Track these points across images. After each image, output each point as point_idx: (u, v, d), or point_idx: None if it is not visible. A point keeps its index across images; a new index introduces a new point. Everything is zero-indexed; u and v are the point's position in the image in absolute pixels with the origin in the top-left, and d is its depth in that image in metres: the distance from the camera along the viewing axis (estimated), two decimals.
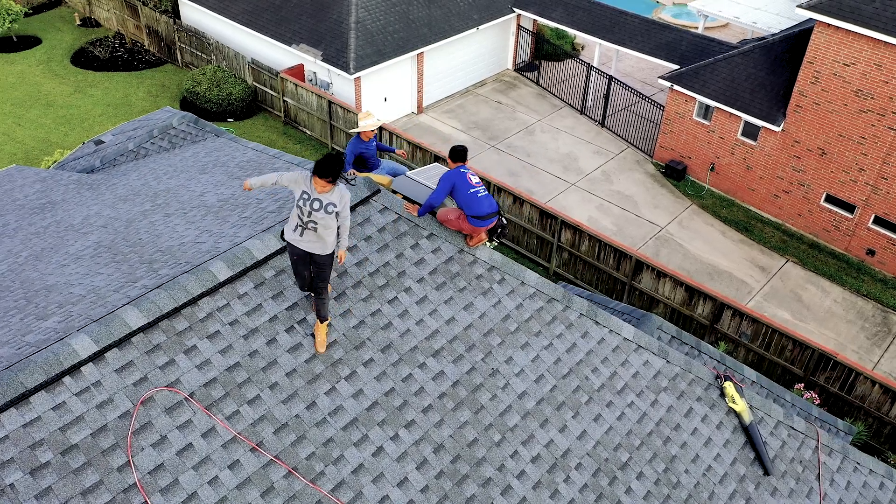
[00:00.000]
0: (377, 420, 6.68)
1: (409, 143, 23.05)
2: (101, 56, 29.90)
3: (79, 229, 11.15)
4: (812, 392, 16.73)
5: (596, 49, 28.89)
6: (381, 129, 23.42)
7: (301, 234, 6.51)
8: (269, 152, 11.91)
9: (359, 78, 24.98)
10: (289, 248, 6.69)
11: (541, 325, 7.93)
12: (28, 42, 30.64)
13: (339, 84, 25.55)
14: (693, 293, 18.79)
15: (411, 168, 17.40)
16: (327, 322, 6.86)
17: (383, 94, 26.56)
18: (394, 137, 23.34)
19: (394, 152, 9.60)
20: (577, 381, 7.74)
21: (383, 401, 6.81)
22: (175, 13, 30.58)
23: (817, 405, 16.01)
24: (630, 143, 27.16)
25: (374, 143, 9.20)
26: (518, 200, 21.19)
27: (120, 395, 5.96)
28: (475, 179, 7.99)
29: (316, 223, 6.41)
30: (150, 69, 29.54)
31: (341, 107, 24.29)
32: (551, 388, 7.56)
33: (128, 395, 5.99)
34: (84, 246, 9.97)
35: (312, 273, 6.71)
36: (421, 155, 22.91)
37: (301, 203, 6.44)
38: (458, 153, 8.25)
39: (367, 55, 24.80)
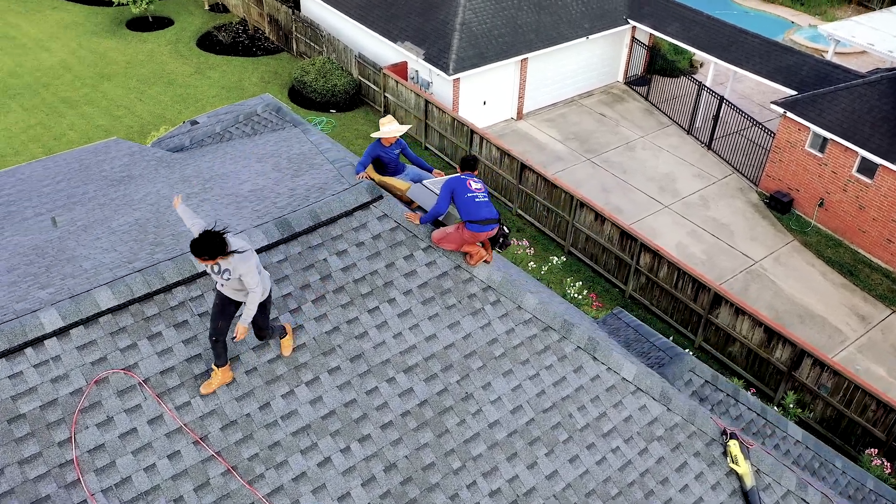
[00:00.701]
0: (331, 430, 6.57)
1: (497, 148, 22.80)
2: (224, 41, 31.33)
3: (132, 205, 11.67)
4: (888, 462, 15.27)
5: (710, 68, 27.57)
6: (471, 131, 23.30)
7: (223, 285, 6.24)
8: (321, 146, 12.02)
9: (458, 79, 24.94)
10: (215, 293, 6.42)
11: (530, 354, 7.57)
12: (161, 23, 32.54)
13: (439, 84, 25.62)
14: (772, 335, 17.57)
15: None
16: (289, 334, 6.76)
17: (482, 98, 26.42)
18: (484, 142, 23.15)
19: (429, 170, 9.32)
20: (559, 417, 7.33)
21: (341, 411, 6.68)
22: (296, 4, 31.61)
23: (889, 474, 14.58)
24: (736, 168, 25.76)
25: (397, 149, 9.07)
26: (599, 218, 20.53)
27: (76, 372, 6.13)
28: (475, 185, 7.79)
29: (223, 284, 6.18)
30: (267, 56, 30.68)
31: (437, 107, 24.34)
32: (528, 421, 7.19)
33: (84, 373, 6.16)
34: (125, 222, 10.41)
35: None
36: (508, 162, 22.61)
37: (212, 274, 6.16)
38: (466, 162, 8.10)
39: (468, 57, 24.73)
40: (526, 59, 26.26)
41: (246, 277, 5.94)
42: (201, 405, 6.33)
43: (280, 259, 7.20)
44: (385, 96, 26.48)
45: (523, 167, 22.19)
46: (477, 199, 7.72)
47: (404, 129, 8.83)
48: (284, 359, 6.74)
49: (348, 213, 7.68)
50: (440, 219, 8.16)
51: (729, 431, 7.75)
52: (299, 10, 31.38)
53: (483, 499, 6.66)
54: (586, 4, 27.71)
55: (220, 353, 6.30)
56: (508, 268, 13.26)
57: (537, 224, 22.66)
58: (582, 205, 20.83)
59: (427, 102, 24.62)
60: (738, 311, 18.06)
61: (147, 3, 31.21)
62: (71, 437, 5.87)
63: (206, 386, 6.36)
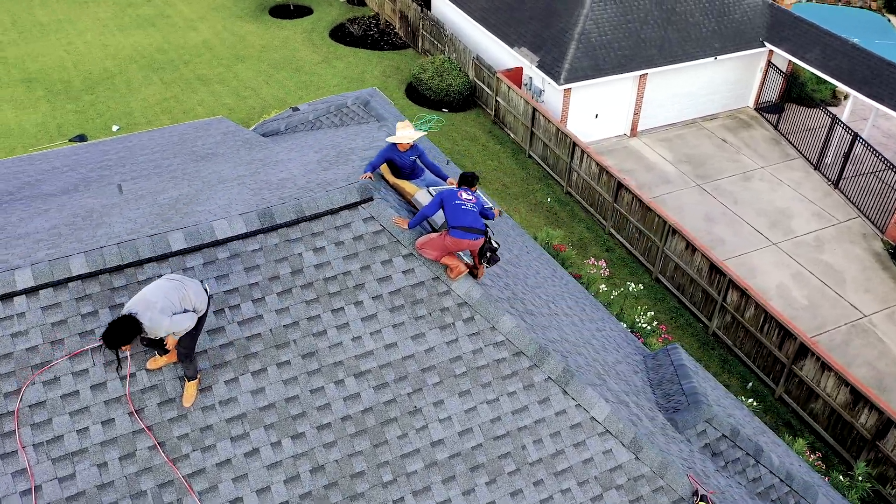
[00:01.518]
0: (266, 422, 6.62)
1: (596, 164, 22.16)
2: (355, 33, 32.31)
3: (192, 180, 12.27)
4: None
5: (848, 101, 25.49)
6: (573, 143, 22.78)
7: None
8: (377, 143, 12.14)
9: (569, 89, 24.46)
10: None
11: (494, 377, 7.30)
12: (301, 11, 34.00)
13: (551, 93, 25.22)
14: (859, 397, 16.05)
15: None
16: (196, 380, 6.68)
17: (595, 110, 25.77)
18: (584, 156, 22.57)
19: (444, 179, 9.22)
20: (510, 447, 7.03)
21: (281, 405, 6.72)
22: (426, 2, 32.10)
23: None
24: (862, 212, 23.71)
25: (413, 154, 9.00)
26: (690, 247, 19.51)
27: (35, 331, 6.52)
28: (466, 196, 7.65)
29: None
30: (393, 51, 31.35)
31: (544, 116, 23.97)
32: (475, 446, 6.94)
33: (42, 332, 6.54)
34: (174, 195, 10.96)
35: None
36: (606, 179, 21.94)
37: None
38: (464, 178, 8.00)
39: (581, 68, 24.19)
40: (645, 74, 25.36)
41: (176, 330, 6.08)
42: (145, 379, 6.56)
43: (255, 248, 7.34)
44: (496, 100, 26.39)
45: (620, 186, 21.46)
46: (464, 207, 7.58)
47: (418, 135, 8.75)
48: (236, 345, 6.86)
49: (333, 212, 7.70)
50: (435, 231, 8.02)
51: (701, 493, 7.15)
52: (429, 9, 31.83)
53: None
54: (720, 23, 26.37)
55: (191, 365, 6.53)
56: (563, 282, 12.89)
57: (628, 245, 21.86)
58: (674, 231, 19.88)
59: (534, 110, 24.31)
60: (825, 366, 16.62)
61: None
62: (19, 390, 6.25)
63: (186, 399, 6.55)
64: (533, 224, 22.79)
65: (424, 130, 26.63)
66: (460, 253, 8.05)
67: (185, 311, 6.09)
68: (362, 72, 29.81)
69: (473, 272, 7.91)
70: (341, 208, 7.74)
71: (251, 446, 6.50)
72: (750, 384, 18.27)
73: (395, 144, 8.82)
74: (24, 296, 6.62)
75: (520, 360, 7.45)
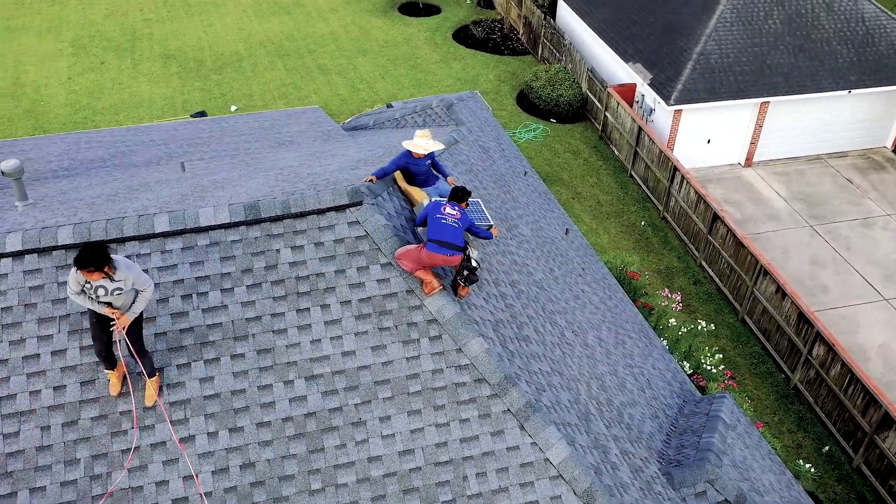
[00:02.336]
0: (207, 411, 6.71)
1: (695, 192, 21.06)
2: (478, 35, 32.35)
3: (247, 166, 12.67)
4: None
5: None
6: (674, 167, 21.76)
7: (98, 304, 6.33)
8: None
9: (679, 111, 23.39)
10: (88, 312, 6.48)
11: (449, 400, 7.04)
12: (429, 10, 34.43)
13: (661, 113, 24.22)
14: None
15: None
16: (156, 378, 6.73)
17: (707, 136, 24.51)
18: (683, 182, 21.50)
19: (445, 178, 9.11)
20: (451, 475, 6.76)
21: (226, 396, 6.79)
22: (551, 9, 31.64)
23: None
24: None
25: (428, 161, 8.85)
26: (780, 291, 18.17)
27: (13, 292, 6.91)
28: (450, 211, 7.46)
29: (111, 302, 6.31)
30: (512, 56, 31.14)
31: (648, 135, 23.05)
32: (412, 469, 6.73)
33: (19, 295, 6.92)
34: (215, 179, 11.35)
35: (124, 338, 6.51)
36: (703, 209, 20.80)
37: (89, 292, 6.21)
38: (454, 192, 7.80)
39: (695, 90, 23.06)
40: (767, 102, 23.84)
41: (138, 280, 6.23)
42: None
43: (235, 239, 7.44)
44: (605, 115, 25.64)
45: (715, 217, 20.29)
46: (444, 222, 7.39)
47: (433, 146, 8.59)
48: (195, 331, 6.98)
49: (320, 212, 7.68)
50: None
51: None
52: (553, 17, 31.37)
53: None
54: (860, 54, 24.38)
55: (147, 361, 6.61)
56: (613, 311, 12.31)
57: (717, 280, 20.64)
58: (765, 272, 18.57)
59: (640, 129, 23.42)
60: None
61: None
62: None
63: (147, 398, 6.63)
64: (620, 246, 21.98)
65: (527, 139, 26.29)
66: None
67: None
68: (477, 74, 29.80)
69: (456, 290, 7.68)
70: (328, 209, 7.71)
71: (188, 432, 6.60)
72: (826, 448, 16.79)
73: (410, 151, 8.71)
74: (10, 258, 7.03)
75: (480, 387, 7.15)
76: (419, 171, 8.82)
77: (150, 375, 6.64)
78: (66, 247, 7.15)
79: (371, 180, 8.39)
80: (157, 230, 7.32)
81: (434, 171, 9.03)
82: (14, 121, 25.95)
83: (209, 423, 6.66)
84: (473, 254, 7.38)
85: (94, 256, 5.83)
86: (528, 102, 27.84)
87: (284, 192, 8.36)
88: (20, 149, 17.03)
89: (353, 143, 14.44)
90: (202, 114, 26.78)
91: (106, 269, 5.92)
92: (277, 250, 7.48)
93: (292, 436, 6.72)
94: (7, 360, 6.67)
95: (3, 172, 9.30)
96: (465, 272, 7.44)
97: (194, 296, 7.15)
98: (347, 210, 7.77)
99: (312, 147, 14.53)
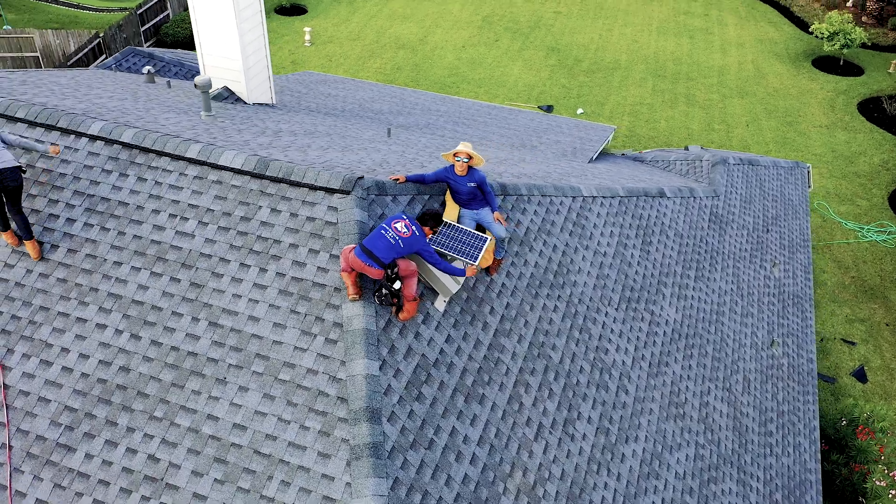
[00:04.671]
0: (105, 306, 7.60)
1: None
2: (888, 111, 27.64)
3: (435, 149, 13.12)
4: None
5: None
6: None
7: None
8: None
9: None
10: None
11: (303, 403, 6.89)
12: (849, 69, 30.29)
13: None
14: None
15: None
16: (33, 240, 7.94)
17: None
18: None
19: (493, 208, 8.43)
20: (260, 468, 6.67)
21: (137, 305, 7.59)
22: None
23: None
24: None
25: (472, 181, 8.34)
26: None
27: (91, 174, 8.54)
28: (398, 225, 7.19)
29: None
30: None
31: None
32: (235, 443, 6.81)
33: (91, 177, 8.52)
34: (396, 149, 12.05)
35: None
36: None
37: None
38: (422, 216, 7.51)
39: None
40: None
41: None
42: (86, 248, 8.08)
43: (235, 184, 8.09)
44: None
45: None
46: (383, 232, 7.14)
47: (476, 158, 8.16)
48: (149, 243, 7.88)
49: (312, 188, 7.91)
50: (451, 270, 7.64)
51: None
52: None
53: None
54: None
55: (24, 222, 7.94)
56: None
57: None
58: None
59: None
60: None
61: (842, 45, 29.41)
62: (46, 197, 8.40)
63: (35, 255, 7.98)
64: None
65: (872, 239, 22.10)
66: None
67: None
68: (859, 153, 25.68)
69: (397, 306, 7.38)
70: (320, 188, 7.91)
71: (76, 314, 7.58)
72: None
73: (452, 167, 8.41)
74: (101, 141, 8.66)
75: (338, 406, 6.84)
76: (460, 189, 8.45)
77: (28, 239, 7.90)
78: (125, 144, 8.54)
79: (398, 179, 8.31)
80: (188, 154, 8.31)
81: (480, 196, 8.54)
82: (401, 69, 29.82)
83: (113, 317, 7.55)
84: (414, 285, 7.04)
85: None
86: None
87: (313, 163, 8.74)
88: (341, 87, 19.75)
89: (575, 165, 13.95)
90: (549, 108, 27.70)
91: None
92: (260, 206, 7.95)
93: (167, 364, 7.27)
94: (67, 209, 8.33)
95: (195, 84, 11.21)
96: (383, 290, 7.11)
97: (152, 216, 8.02)
98: (334, 195, 7.88)
99: (519, 154, 14.40)
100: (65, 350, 7.52)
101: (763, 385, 12.65)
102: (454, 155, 8.29)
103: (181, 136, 8.64)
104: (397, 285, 7.09)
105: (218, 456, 6.83)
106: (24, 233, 7.91)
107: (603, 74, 29.87)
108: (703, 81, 29.64)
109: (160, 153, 8.45)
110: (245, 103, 14.91)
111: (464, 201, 8.58)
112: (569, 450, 8.45)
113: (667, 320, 11.19)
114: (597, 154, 16.77)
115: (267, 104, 15.41)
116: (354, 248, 7.16)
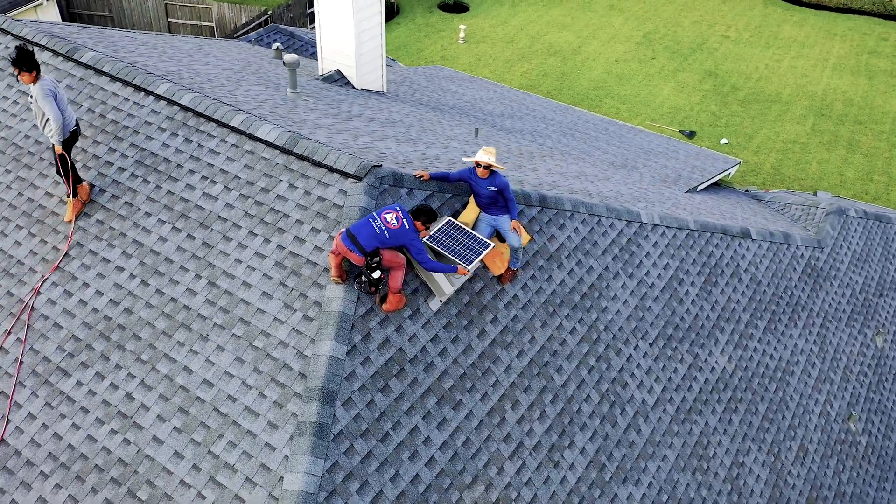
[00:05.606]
0: (128, 251, 8.15)
1: None
2: None
3: (520, 154, 12.96)
4: None
5: None
6: None
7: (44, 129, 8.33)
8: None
9: None
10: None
11: (266, 371, 7.10)
12: None
13: None
14: None
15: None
16: (76, 199, 8.51)
17: None
18: None
19: (512, 216, 8.20)
20: (212, 422, 6.98)
21: (144, 252, 8.11)
22: None
23: None
24: None
25: (492, 186, 8.17)
26: None
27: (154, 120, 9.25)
28: (388, 216, 7.20)
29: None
30: None
31: None
32: (185, 390, 7.16)
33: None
34: (459, 146, 12.07)
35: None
36: None
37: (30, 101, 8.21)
38: (417, 209, 7.48)
39: None
40: None
41: (40, 101, 7.93)
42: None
43: (265, 157, 8.44)
44: None
45: None
46: (370, 220, 7.21)
47: (486, 159, 8.03)
48: (159, 196, 8.38)
49: (331, 170, 8.10)
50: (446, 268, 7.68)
51: None
52: None
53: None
54: None
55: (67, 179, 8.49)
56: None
57: None
58: None
59: None
60: None
61: None
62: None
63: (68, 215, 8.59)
64: None
65: None
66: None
67: (58, 108, 8.11)
68: None
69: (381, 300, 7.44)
70: (337, 170, 8.08)
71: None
72: None
73: (473, 169, 8.32)
74: (165, 102, 9.35)
75: (296, 381, 6.99)
76: (480, 192, 8.35)
77: (75, 196, 8.49)
78: (185, 108, 9.14)
79: (421, 175, 8.34)
80: (234, 124, 8.76)
81: (501, 201, 8.38)
82: (547, 76, 29.62)
83: (127, 260, 8.11)
84: (400, 277, 7.12)
85: (19, 57, 7.76)
86: None
87: (348, 148, 8.92)
88: (463, 84, 19.96)
89: (666, 191, 13.32)
90: (691, 134, 26.53)
91: (34, 74, 7.86)
92: (280, 180, 8.25)
93: (164, 313, 7.74)
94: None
95: (284, 63, 11.76)
96: (363, 277, 7.17)
97: (199, 177, 8.49)
98: (348, 179, 8.03)
99: (609, 172, 13.89)
100: (86, 285, 8.19)
101: (825, 460, 11.49)
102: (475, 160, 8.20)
103: (234, 106, 9.12)
104: (376, 274, 7.12)
105: (182, 406, 7.18)
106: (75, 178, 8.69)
107: (759, 106, 28.13)
108: (873, 127, 27.17)
109: (209, 118, 8.97)
110: (353, 87, 15.44)
111: (484, 205, 8.46)
112: (548, 476, 8.12)
113: (713, 367, 10.44)
114: (704, 185, 15.87)
115: (375, 91, 15.87)
116: (342, 232, 7.27)
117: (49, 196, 8.91)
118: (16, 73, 7.84)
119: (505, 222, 8.41)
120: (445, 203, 8.59)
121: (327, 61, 15.53)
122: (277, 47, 17.04)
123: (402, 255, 7.40)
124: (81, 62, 9.90)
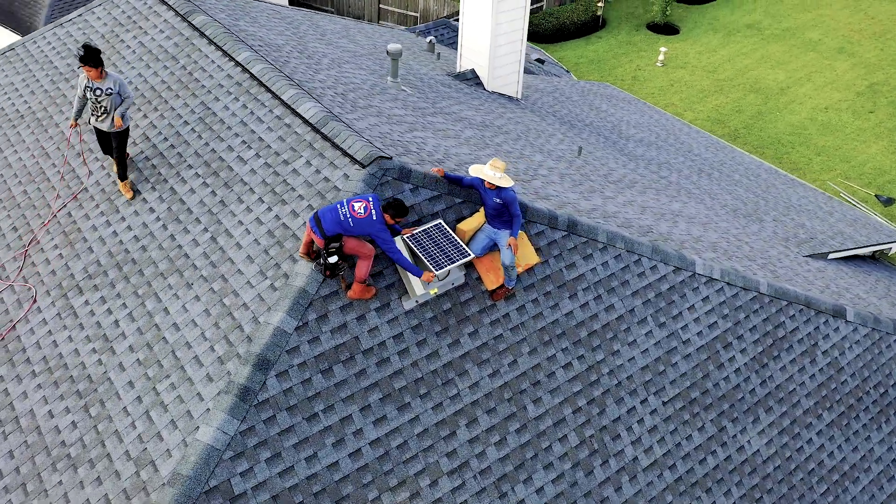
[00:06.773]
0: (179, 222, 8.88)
1: None
2: None
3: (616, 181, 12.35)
4: None
5: None
6: None
7: (98, 119, 8.85)
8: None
9: None
10: (95, 131, 9.15)
11: (219, 329, 7.49)
12: None
13: None
14: None
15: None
16: (127, 181, 9.14)
17: None
18: None
19: (512, 233, 7.87)
20: (158, 357, 7.49)
21: (175, 204, 8.78)
22: None
23: None
24: None
25: (498, 198, 7.90)
26: None
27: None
28: (357, 205, 7.31)
29: (105, 106, 8.64)
30: None
31: None
32: (152, 335, 7.71)
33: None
34: (552, 166, 11.75)
35: (113, 145, 9.01)
36: None
37: (89, 95, 8.64)
38: (388, 202, 7.46)
39: None
40: None
41: (123, 88, 8.66)
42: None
43: (298, 132, 8.82)
44: None
45: None
46: (338, 206, 7.34)
47: (497, 179, 7.80)
48: (180, 156, 8.99)
49: (346, 154, 8.31)
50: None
51: None
52: None
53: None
54: None
55: (122, 166, 9.11)
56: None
57: None
58: None
59: None
60: None
61: None
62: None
63: (126, 192, 9.18)
64: None
65: None
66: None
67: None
68: None
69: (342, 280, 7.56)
70: (351, 156, 8.26)
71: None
72: None
73: (483, 180, 8.14)
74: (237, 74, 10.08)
75: (242, 343, 7.29)
76: (486, 202, 8.18)
77: (122, 179, 9.15)
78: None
79: (436, 171, 8.34)
80: (283, 97, 9.25)
81: (506, 216, 8.12)
82: (740, 113, 27.69)
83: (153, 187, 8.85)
84: (365, 267, 7.29)
85: (88, 54, 8.38)
86: None
87: (383, 137, 9.04)
88: (618, 105, 19.33)
89: (778, 250, 12.08)
90: (889, 201, 23.68)
91: (99, 71, 8.48)
92: (301, 156, 8.59)
93: (168, 256, 8.39)
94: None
95: (387, 51, 12.12)
96: (322, 261, 7.31)
97: (240, 140, 9.03)
98: (354, 165, 8.18)
99: (721, 218, 12.76)
100: (122, 218, 9.07)
101: None
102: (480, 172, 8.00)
103: (291, 80, 9.60)
104: (332, 259, 7.22)
105: (150, 343, 7.77)
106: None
107: None
108: None
109: (267, 89, 9.53)
110: (483, 89, 15.53)
111: (490, 216, 8.24)
112: None
113: (741, 446, 9.36)
114: (841, 253, 14.12)
115: (507, 95, 15.84)
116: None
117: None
118: (82, 67, 8.54)
119: (504, 237, 8.14)
120: (453, 207, 8.48)
121: (465, 59, 15.72)
122: (431, 40, 17.51)
123: (369, 246, 7.44)
124: (192, 24, 10.89)
